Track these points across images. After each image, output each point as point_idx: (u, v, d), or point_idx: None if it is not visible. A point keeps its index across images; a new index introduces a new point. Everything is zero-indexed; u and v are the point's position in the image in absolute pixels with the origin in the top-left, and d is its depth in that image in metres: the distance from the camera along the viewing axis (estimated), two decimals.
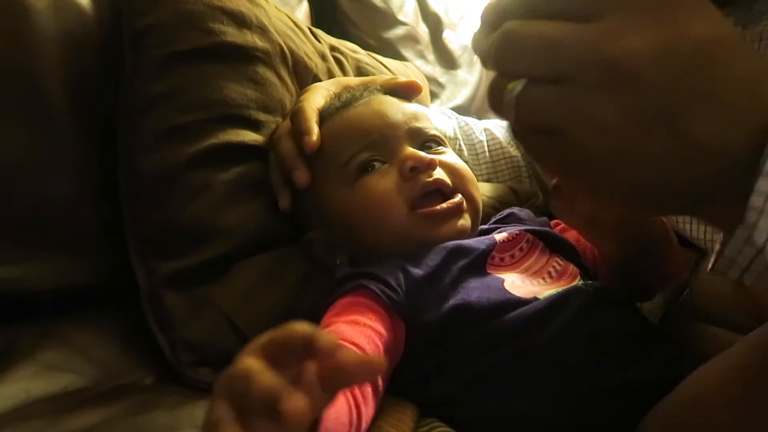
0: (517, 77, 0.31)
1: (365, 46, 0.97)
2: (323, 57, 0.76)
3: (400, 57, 1.26)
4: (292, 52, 0.70)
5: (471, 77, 1.42)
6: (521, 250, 0.56)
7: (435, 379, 0.49)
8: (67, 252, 0.60)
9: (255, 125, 0.64)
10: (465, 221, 0.56)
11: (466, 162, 0.84)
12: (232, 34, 0.65)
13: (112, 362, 0.57)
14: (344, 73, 0.79)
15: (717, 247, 0.31)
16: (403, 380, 0.49)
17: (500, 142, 0.86)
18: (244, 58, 0.65)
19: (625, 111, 0.28)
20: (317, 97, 0.64)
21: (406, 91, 0.66)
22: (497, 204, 0.74)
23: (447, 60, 1.42)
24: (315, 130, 0.59)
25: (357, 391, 0.42)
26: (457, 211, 0.56)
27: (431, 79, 1.31)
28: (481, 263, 0.53)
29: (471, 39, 0.35)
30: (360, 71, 0.83)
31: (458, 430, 0.47)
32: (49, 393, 0.52)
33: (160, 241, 0.59)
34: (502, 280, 0.52)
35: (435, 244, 0.54)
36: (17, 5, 0.58)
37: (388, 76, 0.80)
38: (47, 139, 0.59)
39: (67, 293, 0.60)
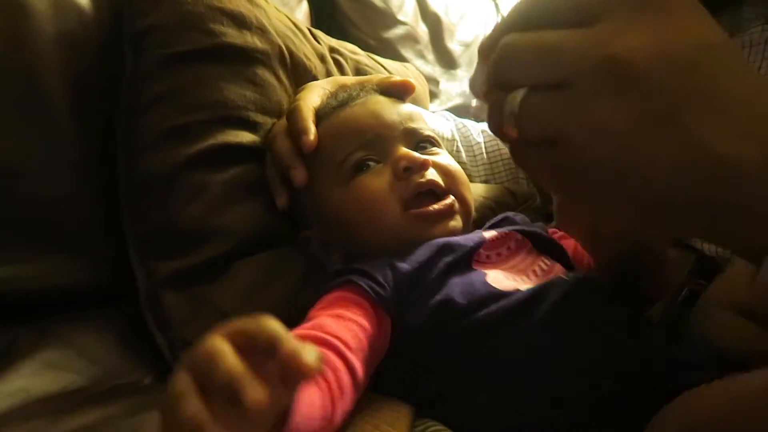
0: (518, 86, 0.30)
1: (365, 46, 0.98)
2: (322, 58, 0.76)
3: (399, 57, 1.26)
4: (291, 53, 0.70)
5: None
6: (509, 248, 0.56)
7: (426, 378, 0.49)
8: (67, 252, 0.60)
9: (253, 127, 0.65)
10: (456, 222, 0.57)
11: (463, 164, 0.85)
12: (233, 35, 0.65)
13: (111, 362, 0.57)
14: (343, 74, 0.79)
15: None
16: (395, 380, 0.50)
17: (498, 144, 0.86)
18: (244, 59, 0.66)
19: (628, 111, 0.28)
20: (314, 96, 0.64)
21: (400, 91, 0.66)
22: (494, 205, 0.74)
23: (447, 60, 1.42)
24: (312, 129, 0.60)
25: (334, 384, 0.42)
26: (448, 213, 0.56)
27: (431, 79, 1.31)
28: (467, 259, 0.53)
29: (469, 81, 0.35)
30: (359, 72, 0.83)
31: (453, 428, 0.47)
32: (49, 392, 0.53)
33: (160, 241, 0.60)
34: (485, 275, 0.52)
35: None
36: (17, 5, 0.59)
37: (383, 75, 0.81)
38: (47, 139, 0.59)
39: (67, 293, 0.60)
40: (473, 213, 0.61)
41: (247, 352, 0.29)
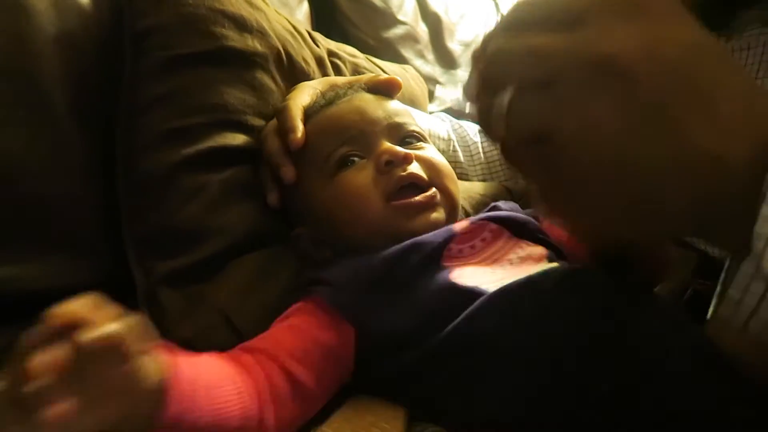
0: (507, 86, 0.30)
1: (365, 46, 0.98)
2: (321, 62, 0.76)
3: (399, 57, 1.26)
4: (289, 57, 0.71)
5: None
6: (483, 240, 0.56)
7: (412, 383, 0.49)
8: (67, 252, 0.60)
9: (251, 130, 0.65)
10: (439, 214, 0.57)
11: (461, 164, 0.85)
12: (234, 38, 0.65)
13: None
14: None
15: (718, 288, 0.30)
16: (386, 383, 0.50)
17: None
18: (244, 63, 0.66)
19: (617, 106, 0.28)
20: (303, 96, 0.65)
21: (387, 88, 0.67)
22: (491, 202, 0.74)
23: (447, 59, 1.42)
24: (299, 127, 0.60)
25: (264, 385, 0.43)
26: (429, 204, 0.56)
27: (431, 79, 1.31)
28: (436, 257, 0.53)
29: (463, 87, 0.35)
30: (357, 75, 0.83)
31: (450, 430, 0.46)
32: None
33: (158, 240, 0.60)
34: (451, 273, 0.51)
35: (410, 237, 0.54)
36: (17, 5, 0.59)
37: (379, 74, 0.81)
38: (47, 139, 0.59)
39: (67, 293, 0.60)
40: (460, 206, 0.61)
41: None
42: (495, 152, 0.86)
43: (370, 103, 0.62)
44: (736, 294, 0.28)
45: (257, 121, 0.66)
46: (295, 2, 1.07)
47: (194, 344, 0.56)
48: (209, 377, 0.42)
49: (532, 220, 0.59)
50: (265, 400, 0.44)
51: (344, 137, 0.59)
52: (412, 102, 0.91)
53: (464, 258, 0.54)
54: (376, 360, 0.50)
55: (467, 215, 0.70)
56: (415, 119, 0.64)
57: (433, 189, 0.57)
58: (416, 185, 0.57)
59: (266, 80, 0.67)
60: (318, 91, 0.67)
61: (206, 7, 0.64)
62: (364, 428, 0.45)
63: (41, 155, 0.58)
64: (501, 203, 0.64)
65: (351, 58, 0.84)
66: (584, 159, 0.29)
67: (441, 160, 0.60)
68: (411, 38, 1.33)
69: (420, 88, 0.97)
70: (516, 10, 0.32)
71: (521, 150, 0.32)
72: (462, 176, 0.84)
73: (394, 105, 0.64)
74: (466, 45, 1.46)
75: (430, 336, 0.47)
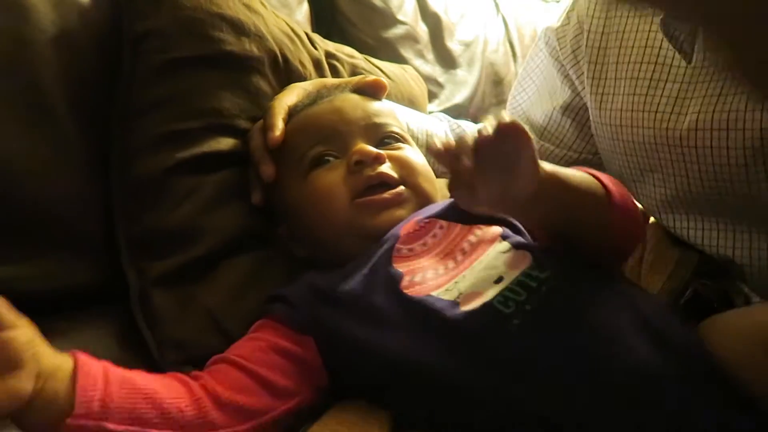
0: None
1: (364, 46, 0.98)
2: (318, 64, 0.77)
3: (399, 57, 1.26)
4: (286, 60, 0.71)
5: (470, 77, 1.42)
6: (434, 236, 0.55)
7: (383, 390, 0.49)
8: (67, 252, 0.60)
9: (244, 134, 0.66)
10: (405, 211, 0.57)
11: None
12: (231, 42, 0.66)
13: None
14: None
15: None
16: (359, 390, 0.51)
17: None
18: (241, 67, 0.66)
19: None
20: (291, 95, 0.66)
21: (372, 89, 0.67)
22: None
23: (446, 59, 1.42)
24: (279, 125, 0.61)
25: (206, 400, 0.45)
26: (395, 201, 0.57)
27: (431, 79, 1.31)
28: (385, 261, 0.53)
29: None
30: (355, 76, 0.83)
31: None
32: None
33: (152, 242, 0.60)
34: (402, 281, 0.51)
35: (375, 236, 0.54)
36: (18, 5, 0.59)
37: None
38: (47, 139, 0.60)
39: (67, 293, 0.60)
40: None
41: None
42: None
43: (350, 103, 0.62)
44: None
45: (250, 125, 0.66)
46: (295, 2, 1.07)
47: (186, 346, 0.57)
48: (130, 373, 0.45)
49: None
50: (205, 412, 0.45)
51: (320, 136, 0.60)
52: (411, 102, 0.90)
53: (415, 256, 0.54)
54: (344, 368, 0.51)
55: None
56: (400, 120, 0.65)
57: (401, 187, 0.57)
58: (387, 184, 0.57)
59: (261, 84, 0.68)
60: (307, 91, 0.67)
61: (205, 11, 0.65)
62: (348, 428, 0.46)
63: (41, 155, 0.59)
64: None
65: (349, 60, 0.84)
66: None
67: (417, 159, 0.60)
68: (411, 38, 1.33)
69: (420, 88, 0.97)
70: None
71: None
72: None
73: (376, 105, 0.64)
74: (466, 45, 1.45)
75: (388, 347, 0.48)
